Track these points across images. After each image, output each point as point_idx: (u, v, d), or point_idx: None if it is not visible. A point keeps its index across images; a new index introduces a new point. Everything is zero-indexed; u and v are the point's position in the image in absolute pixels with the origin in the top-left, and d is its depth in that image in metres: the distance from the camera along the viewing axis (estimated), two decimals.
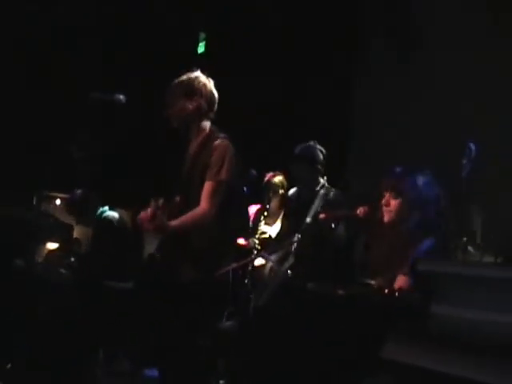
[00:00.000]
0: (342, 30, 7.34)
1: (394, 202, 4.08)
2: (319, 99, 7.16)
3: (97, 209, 6.24)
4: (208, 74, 4.04)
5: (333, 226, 5.18)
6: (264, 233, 6.13)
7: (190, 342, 3.75)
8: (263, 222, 6.18)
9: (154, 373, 5.25)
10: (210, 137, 3.92)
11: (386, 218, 4.11)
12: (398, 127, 6.89)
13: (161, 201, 3.68)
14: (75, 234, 7.05)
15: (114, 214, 6.28)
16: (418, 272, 3.06)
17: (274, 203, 6.28)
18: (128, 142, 7.16)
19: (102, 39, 7.58)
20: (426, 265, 2.91)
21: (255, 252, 5.61)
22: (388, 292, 3.59)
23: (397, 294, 3.37)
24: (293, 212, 5.64)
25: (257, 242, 5.93)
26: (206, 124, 3.97)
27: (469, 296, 2.74)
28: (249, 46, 7.39)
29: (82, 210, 6.22)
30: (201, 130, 3.96)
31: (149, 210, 3.63)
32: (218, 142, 3.86)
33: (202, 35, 7.63)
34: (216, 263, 3.82)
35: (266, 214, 6.17)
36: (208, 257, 3.80)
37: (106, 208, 6.28)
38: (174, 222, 3.71)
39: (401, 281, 3.56)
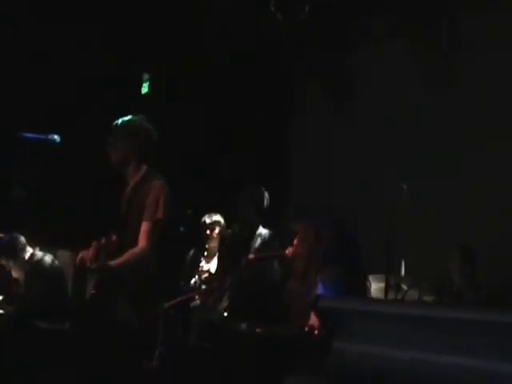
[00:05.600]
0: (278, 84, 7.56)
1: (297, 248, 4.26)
2: (257, 144, 7.35)
3: (25, 252, 6.14)
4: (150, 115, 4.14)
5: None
6: (204, 271, 6.18)
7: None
8: (204, 261, 6.25)
9: None
10: (146, 177, 4.02)
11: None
12: (334, 171, 7.12)
13: (103, 240, 3.79)
14: (14, 275, 6.94)
15: (45, 257, 6.20)
16: (319, 309, 3.13)
17: (213, 242, 6.34)
18: (68, 181, 7.10)
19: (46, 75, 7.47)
20: (327, 302, 2.98)
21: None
22: (309, 330, 3.66)
23: (308, 330, 3.44)
24: (230, 251, 5.73)
25: (197, 280, 6.00)
26: (143, 165, 4.07)
27: (370, 332, 2.79)
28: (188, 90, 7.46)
29: (11, 253, 6.12)
30: (137, 170, 4.06)
31: (90, 250, 3.75)
32: (153, 182, 3.97)
33: (146, 76, 7.64)
34: (151, 302, 3.88)
35: (205, 253, 6.25)
36: (143, 295, 3.85)
37: (37, 251, 6.19)
38: (115, 262, 3.78)
39: (312, 318, 3.62)
